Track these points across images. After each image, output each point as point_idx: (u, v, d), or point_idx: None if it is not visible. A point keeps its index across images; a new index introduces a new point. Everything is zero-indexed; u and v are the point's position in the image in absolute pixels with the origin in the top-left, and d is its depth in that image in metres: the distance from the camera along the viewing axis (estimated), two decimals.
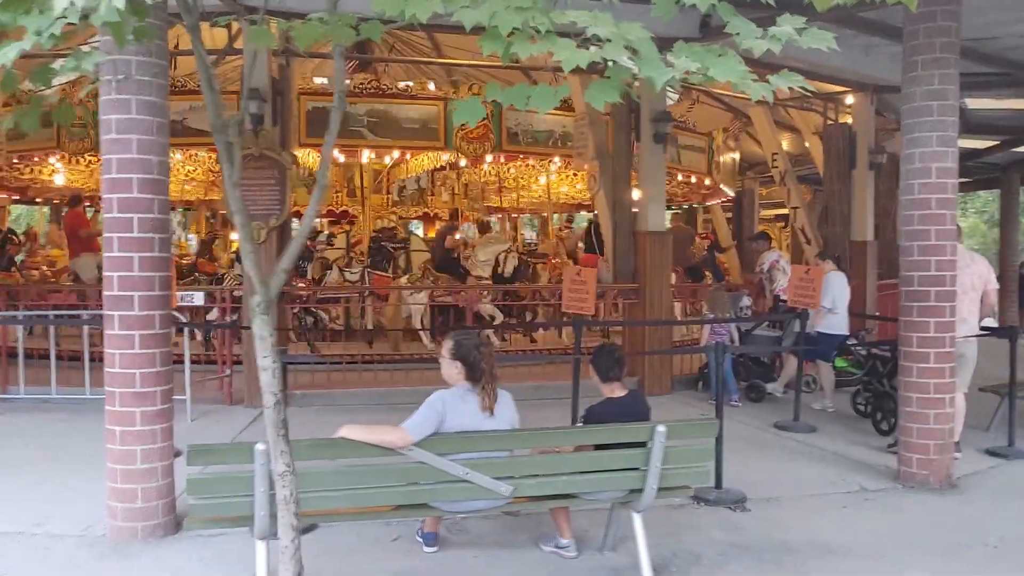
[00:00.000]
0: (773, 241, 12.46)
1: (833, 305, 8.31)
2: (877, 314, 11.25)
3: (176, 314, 8.17)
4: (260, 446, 3.54)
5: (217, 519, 3.86)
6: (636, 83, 2.58)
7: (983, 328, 7.46)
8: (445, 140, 10.76)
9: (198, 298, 8.24)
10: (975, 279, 6.80)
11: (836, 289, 8.36)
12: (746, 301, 9.46)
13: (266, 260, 8.03)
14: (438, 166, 14.34)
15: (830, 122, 12.17)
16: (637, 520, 4.39)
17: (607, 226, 9.82)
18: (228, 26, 9.11)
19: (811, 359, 8.83)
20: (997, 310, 7.39)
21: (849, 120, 12.00)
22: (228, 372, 8.26)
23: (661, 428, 4.17)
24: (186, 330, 7.81)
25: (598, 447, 4.32)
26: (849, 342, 8.68)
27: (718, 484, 5.81)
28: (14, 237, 13.65)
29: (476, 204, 17.44)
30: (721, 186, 15.40)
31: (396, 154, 12.21)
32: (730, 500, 5.71)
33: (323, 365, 8.72)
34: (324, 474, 3.94)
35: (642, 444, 4.22)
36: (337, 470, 3.97)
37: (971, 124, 14.04)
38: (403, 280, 10.87)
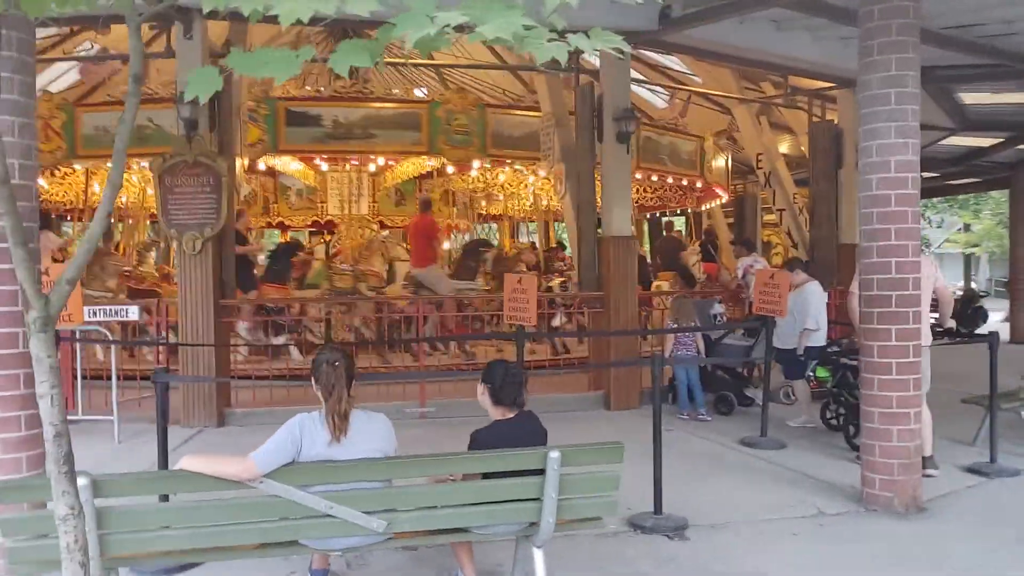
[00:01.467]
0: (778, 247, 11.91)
1: (817, 325, 7.79)
2: None
3: (102, 330, 7.83)
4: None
5: (41, 561, 3.42)
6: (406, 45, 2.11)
7: (962, 333, 6.94)
8: (429, 145, 10.31)
9: (133, 312, 7.83)
10: (925, 281, 6.27)
11: (816, 304, 7.82)
12: (718, 308, 8.94)
13: (202, 272, 7.67)
14: (424, 172, 13.90)
15: (816, 119, 11.64)
16: (538, 556, 3.92)
17: (572, 232, 9.34)
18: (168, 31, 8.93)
19: (788, 377, 8.31)
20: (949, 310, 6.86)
21: (835, 118, 11.45)
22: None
23: (554, 454, 3.69)
24: (114, 347, 7.41)
25: (487, 476, 3.84)
26: (830, 350, 8.16)
27: (657, 509, 5.34)
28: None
29: (466, 211, 16.99)
30: (716, 189, 14.91)
31: (381, 160, 11.89)
32: (669, 527, 5.22)
33: (265, 381, 8.30)
34: (161, 511, 3.51)
35: (540, 472, 3.75)
36: (180, 506, 3.53)
37: (971, 121, 13.51)
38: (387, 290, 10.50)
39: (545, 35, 2.04)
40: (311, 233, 16.37)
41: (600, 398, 8.82)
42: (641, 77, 14.87)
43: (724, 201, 16.28)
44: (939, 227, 37.62)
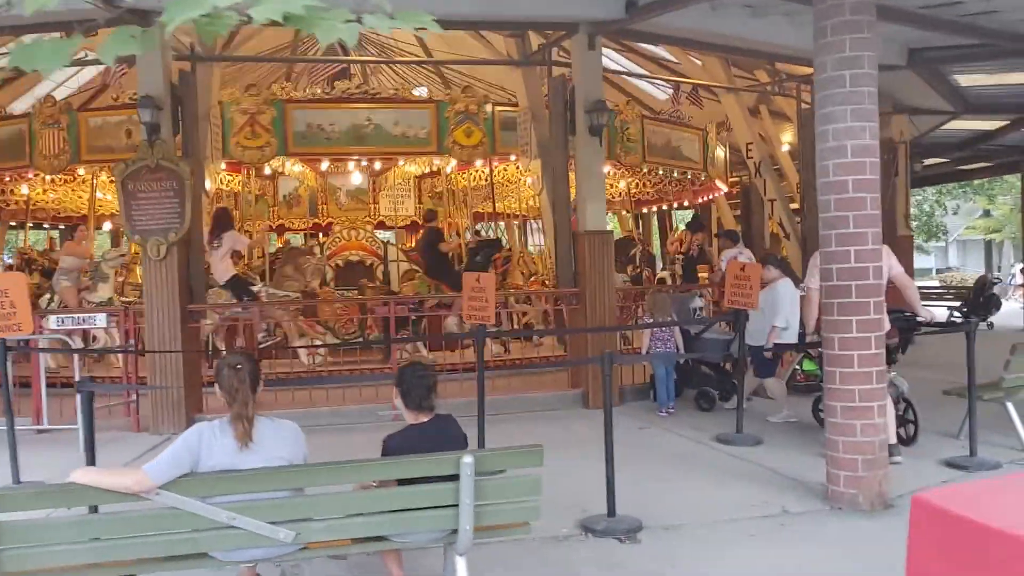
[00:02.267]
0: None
1: (787, 324, 7.57)
2: None
3: (66, 339, 7.77)
4: None
5: None
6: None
7: (934, 324, 6.73)
8: (438, 145, 10.16)
9: (101, 320, 7.75)
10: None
11: (787, 303, 7.59)
12: (698, 303, 8.73)
13: (168, 277, 7.59)
14: (425, 172, 13.75)
15: (806, 107, 11.39)
16: (460, 564, 3.76)
17: (549, 227, 9.18)
18: None
19: (759, 375, 8.10)
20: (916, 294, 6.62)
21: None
22: (134, 397, 7.78)
23: (468, 459, 3.54)
24: (76, 356, 7.35)
25: (404, 482, 3.70)
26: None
27: (610, 511, 5.17)
28: None
29: (465, 210, 16.78)
30: (716, 182, 14.64)
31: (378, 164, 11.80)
32: (621, 530, 5.06)
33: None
34: (62, 526, 3.38)
35: (456, 478, 3.60)
36: (75, 520, 3.42)
37: (972, 104, 13.20)
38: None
39: (341, 16, 1.89)
40: (307, 235, 16.28)
41: (579, 396, 8.65)
42: (640, 70, 14.72)
43: (723, 193, 15.95)
44: (955, 213, 36.91)
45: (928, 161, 19.41)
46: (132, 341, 8.01)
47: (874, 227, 5.35)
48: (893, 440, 6.37)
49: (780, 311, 7.45)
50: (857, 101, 5.28)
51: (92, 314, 7.76)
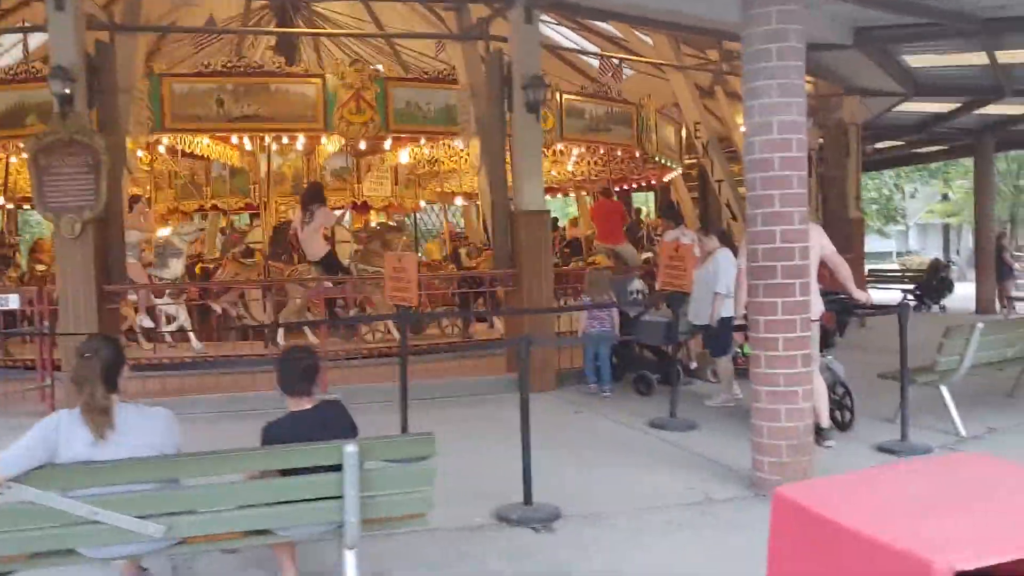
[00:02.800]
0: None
1: (728, 291, 7.43)
2: None
3: None
4: None
5: None
6: None
7: (869, 306, 6.62)
8: (324, 122, 9.81)
9: (13, 301, 7.43)
10: (812, 251, 5.92)
11: (729, 272, 7.44)
12: (637, 284, 8.56)
13: (83, 257, 7.28)
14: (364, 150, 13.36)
15: None
16: (349, 558, 3.56)
17: (487, 207, 8.96)
18: None
19: (714, 354, 7.98)
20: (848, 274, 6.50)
21: None
22: (48, 381, 7.47)
23: (351, 448, 3.33)
24: None
25: (287, 473, 3.49)
26: None
27: (527, 500, 4.99)
28: None
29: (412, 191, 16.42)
30: (666, 162, 14.43)
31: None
32: (537, 519, 4.89)
33: (155, 371, 7.91)
34: None
35: (340, 468, 3.39)
36: None
37: (922, 85, 13.14)
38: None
39: None
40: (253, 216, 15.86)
41: (514, 381, 8.41)
42: (595, 48, 14.48)
43: (680, 174, 15.80)
44: (913, 197, 37.20)
45: (882, 144, 19.48)
46: (47, 323, 7.67)
47: (801, 206, 5.18)
48: (826, 424, 6.30)
49: (721, 279, 7.30)
50: (783, 76, 5.10)
51: (4, 295, 7.43)
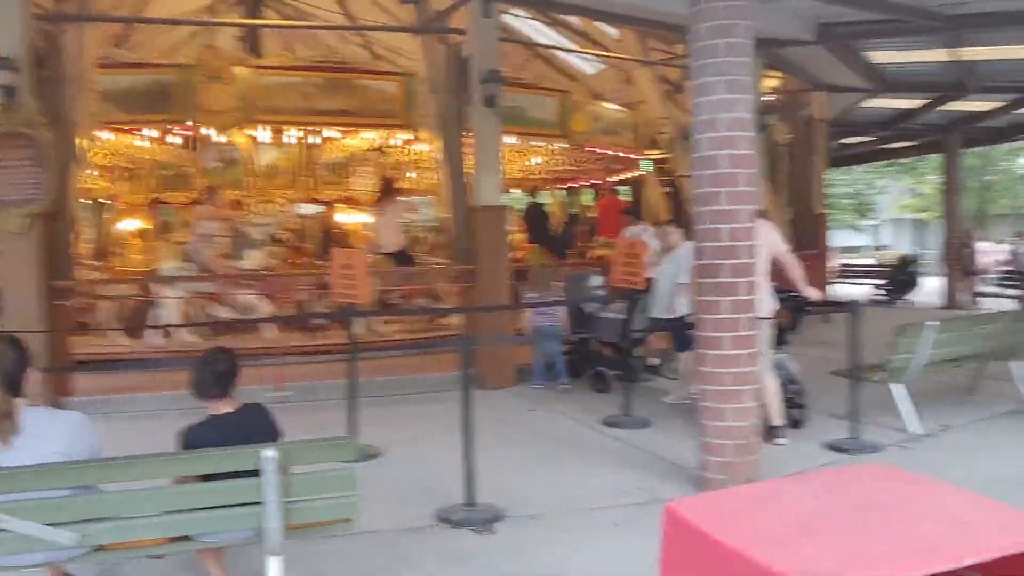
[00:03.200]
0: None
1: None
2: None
3: None
4: None
5: None
6: None
7: (823, 303, 6.59)
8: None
9: None
10: (763, 249, 5.90)
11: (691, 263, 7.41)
12: (595, 280, 8.51)
13: (28, 252, 7.13)
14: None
15: None
16: (272, 564, 3.46)
17: (446, 202, 8.87)
18: None
19: (677, 349, 7.93)
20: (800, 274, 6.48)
21: None
22: None
23: (269, 453, 3.24)
24: None
25: (208, 477, 3.39)
26: None
27: (469, 500, 4.93)
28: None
29: None
30: (630, 156, 14.36)
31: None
32: (479, 520, 4.83)
33: (109, 367, 7.79)
34: None
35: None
36: None
37: (889, 82, 13.16)
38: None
39: None
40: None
41: (473, 377, 8.37)
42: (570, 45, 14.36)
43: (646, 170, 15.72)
44: (880, 193, 37.44)
45: (851, 140, 19.53)
46: None
47: (748, 204, 5.14)
48: (778, 422, 6.29)
49: (684, 270, 7.24)
50: (731, 72, 5.04)
51: None
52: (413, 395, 8.14)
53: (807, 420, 6.70)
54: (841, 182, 33.33)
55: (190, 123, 9.92)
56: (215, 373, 3.53)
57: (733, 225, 5.09)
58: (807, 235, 14.13)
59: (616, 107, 13.32)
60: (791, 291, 6.57)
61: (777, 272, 6.46)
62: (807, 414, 6.71)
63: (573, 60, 16.16)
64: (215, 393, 3.54)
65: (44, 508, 3.16)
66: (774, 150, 14.00)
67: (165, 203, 13.96)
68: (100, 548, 3.34)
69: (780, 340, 6.44)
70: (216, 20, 12.83)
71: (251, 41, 13.56)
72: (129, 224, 13.60)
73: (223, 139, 11.00)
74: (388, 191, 10.28)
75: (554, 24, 13.98)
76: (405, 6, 10.28)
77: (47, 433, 3.23)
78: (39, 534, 3.13)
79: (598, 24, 12.72)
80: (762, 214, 6.48)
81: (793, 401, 6.64)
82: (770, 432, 6.28)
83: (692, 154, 5.30)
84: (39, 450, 3.18)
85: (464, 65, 8.30)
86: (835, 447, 6.16)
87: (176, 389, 7.65)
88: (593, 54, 12.57)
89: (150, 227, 13.18)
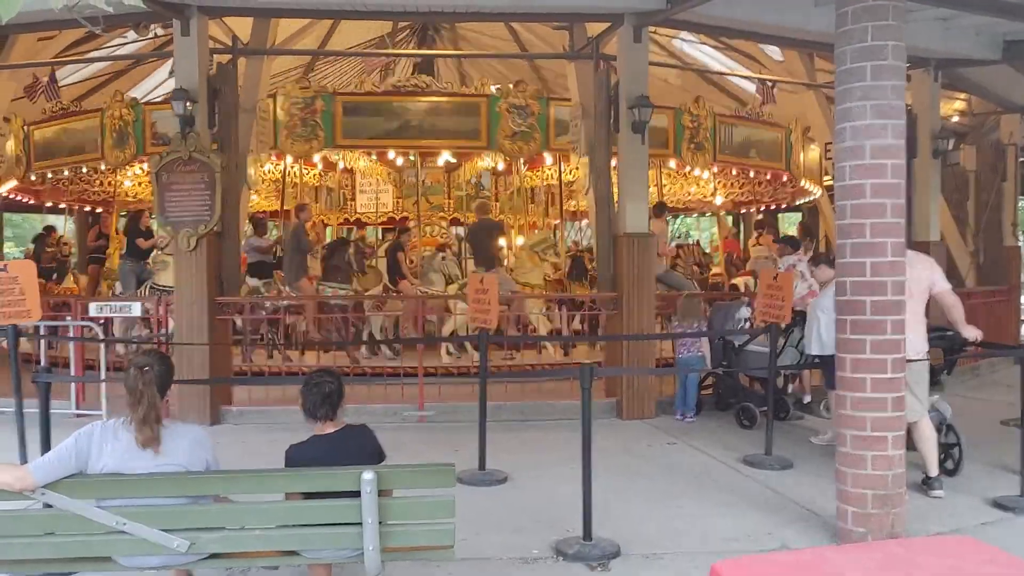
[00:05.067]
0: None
1: None
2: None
3: (93, 326, 7.94)
4: None
5: None
6: None
7: (986, 345, 6.04)
8: (488, 140, 10.14)
9: (136, 309, 7.92)
10: (912, 285, 5.43)
11: None
12: (744, 312, 8.15)
13: (197, 269, 7.66)
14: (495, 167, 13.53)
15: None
16: None
17: (593, 228, 8.81)
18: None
19: (829, 386, 7.50)
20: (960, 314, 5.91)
21: (908, 100, 10.34)
22: None
23: (368, 476, 3.30)
24: (103, 344, 7.51)
25: (311, 496, 3.50)
26: None
27: (586, 535, 4.83)
28: None
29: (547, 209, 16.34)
30: (804, 185, 13.84)
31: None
32: (595, 555, 4.71)
33: (261, 380, 8.22)
34: None
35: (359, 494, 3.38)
36: None
37: None
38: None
39: None
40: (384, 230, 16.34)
41: (612, 406, 8.26)
42: (737, 67, 14.10)
43: (816, 197, 15.07)
44: None
45: None
46: (164, 331, 8.12)
47: (895, 237, 4.78)
48: (934, 472, 5.82)
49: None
50: (878, 96, 4.73)
51: (127, 303, 7.94)
52: (549, 421, 8.10)
53: (960, 468, 6.15)
54: None
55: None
56: (323, 395, 3.63)
57: (876, 259, 4.76)
58: (996, 270, 13.04)
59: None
60: (947, 329, 6.06)
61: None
62: (962, 462, 6.16)
63: (744, 85, 15.79)
64: (322, 414, 3.64)
65: (160, 515, 3.35)
66: (958, 177, 13.05)
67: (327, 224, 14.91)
68: (214, 556, 3.50)
69: (932, 382, 5.95)
70: (389, 52, 13.40)
71: (426, 71, 14.14)
72: None
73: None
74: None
75: (726, 49, 13.69)
76: (565, 33, 10.37)
77: (171, 445, 3.43)
78: (153, 538, 3.32)
79: (764, 47, 12.37)
80: (918, 246, 6.05)
81: (946, 447, 6.14)
82: (925, 483, 5.81)
83: (835, 182, 5.01)
84: (162, 460, 3.38)
85: (613, 90, 8.24)
86: (1001, 504, 5.59)
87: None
88: (764, 78, 12.18)
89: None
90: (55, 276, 13.89)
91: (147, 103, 11.08)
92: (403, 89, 10.54)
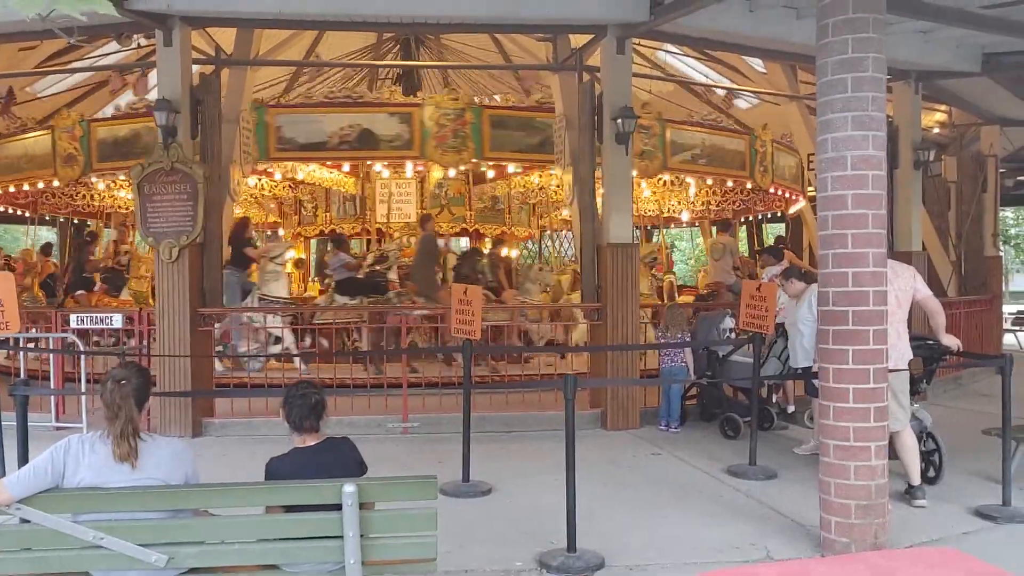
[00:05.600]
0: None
1: None
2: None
3: (73, 338, 7.88)
4: None
5: None
6: None
7: (966, 354, 6.07)
8: (420, 150, 10.06)
9: (117, 320, 7.85)
10: (899, 294, 5.47)
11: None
12: (729, 323, 8.17)
13: (179, 280, 7.61)
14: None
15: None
16: None
17: (577, 238, 8.82)
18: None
19: (813, 393, 7.52)
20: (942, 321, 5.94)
21: (890, 111, 10.42)
22: None
23: (349, 488, 3.26)
24: (83, 356, 7.44)
25: (291, 509, 3.46)
26: None
27: (570, 547, 4.80)
28: None
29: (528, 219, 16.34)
30: (778, 193, 13.90)
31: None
32: (579, 568, 4.69)
33: (243, 392, 8.16)
34: None
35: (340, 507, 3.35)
36: None
37: None
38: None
39: None
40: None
41: (597, 416, 8.26)
42: (715, 78, 14.17)
43: (802, 206, 15.15)
44: None
45: None
46: (144, 344, 8.05)
47: (876, 247, 4.80)
48: (916, 482, 5.85)
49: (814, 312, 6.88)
50: (859, 108, 4.76)
51: (109, 314, 7.87)
52: (533, 432, 8.08)
53: (942, 477, 6.18)
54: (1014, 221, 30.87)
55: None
56: (306, 406, 3.60)
57: (858, 269, 4.78)
58: (977, 279, 13.16)
59: (788, 149, 13.03)
60: (927, 339, 6.10)
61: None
62: (942, 470, 6.19)
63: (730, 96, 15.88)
64: (306, 426, 3.61)
65: (138, 528, 3.31)
66: (939, 188, 13.16)
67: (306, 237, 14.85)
68: (193, 571, 3.46)
69: (913, 391, 5.98)
70: (375, 62, 13.40)
71: (407, 83, 14.14)
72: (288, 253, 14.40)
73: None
74: None
75: (709, 60, 13.76)
76: (549, 44, 10.40)
77: (149, 459, 3.39)
78: (133, 553, 3.28)
79: (748, 59, 12.44)
80: (899, 256, 6.08)
81: (927, 456, 6.18)
82: (908, 492, 5.83)
83: (817, 193, 5.03)
84: (140, 474, 3.34)
85: (598, 102, 8.26)
86: (983, 513, 5.60)
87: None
88: (739, 89, 12.26)
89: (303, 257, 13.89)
90: (98, 287, 12.73)
91: (93, 120, 11.07)
92: (335, 100, 10.34)
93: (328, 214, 14.30)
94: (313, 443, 3.62)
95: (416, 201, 13.40)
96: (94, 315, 7.83)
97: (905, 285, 5.62)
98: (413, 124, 9.91)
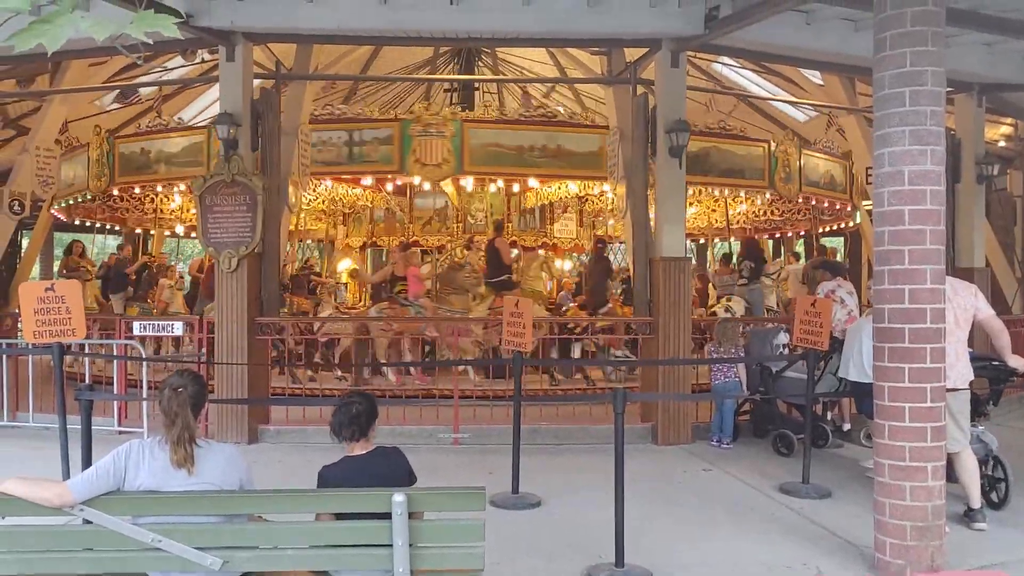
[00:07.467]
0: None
1: None
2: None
3: (136, 344, 8.09)
4: None
5: None
6: None
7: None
8: (400, 163, 10.25)
9: (177, 328, 8.07)
10: (958, 312, 5.34)
11: None
12: (783, 338, 8.06)
13: (238, 289, 7.78)
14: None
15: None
16: None
17: (630, 251, 8.80)
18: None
19: (862, 411, 7.38)
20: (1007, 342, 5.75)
21: (952, 125, 10.21)
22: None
23: (399, 498, 3.31)
24: (145, 363, 7.64)
25: (342, 516, 3.53)
26: None
27: (618, 562, 4.80)
28: None
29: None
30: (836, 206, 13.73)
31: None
32: None
33: (298, 400, 8.30)
34: None
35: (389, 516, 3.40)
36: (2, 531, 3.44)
37: None
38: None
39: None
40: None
41: (648, 431, 8.21)
42: (773, 91, 14.04)
43: (853, 221, 14.93)
44: None
45: None
46: (204, 351, 8.25)
47: (934, 264, 4.72)
48: (976, 504, 5.69)
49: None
50: (917, 122, 4.69)
51: (170, 321, 8.09)
52: (583, 445, 8.07)
53: (1008, 502, 6.00)
54: None
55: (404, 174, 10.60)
56: (352, 416, 3.66)
57: (915, 286, 4.70)
58: None
59: (824, 156, 12.78)
60: (993, 359, 5.95)
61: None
62: (1009, 495, 6.01)
63: (787, 109, 15.71)
64: (351, 435, 3.67)
65: (195, 532, 3.39)
66: (1004, 203, 12.84)
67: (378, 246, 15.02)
68: (247, 574, 3.54)
69: (977, 412, 5.83)
70: (428, 76, 13.56)
71: (465, 96, 14.27)
72: (343, 264, 14.61)
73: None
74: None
75: (766, 72, 13.65)
76: (605, 59, 10.42)
77: (205, 464, 3.49)
78: (189, 556, 3.36)
79: (806, 72, 12.31)
80: (961, 273, 5.94)
81: (992, 479, 6.00)
82: (967, 515, 5.69)
83: (874, 208, 4.96)
84: (197, 479, 3.44)
85: (650, 115, 8.25)
86: None
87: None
88: (795, 101, 12.12)
89: (358, 267, 14.04)
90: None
91: (117, 136, 11.54)
92: (320, 117, 10.47)
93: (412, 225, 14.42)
94: (364, 452, 3.68)
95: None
96: (156, 323, 8.05)
97: (965, 303, 5.49)
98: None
